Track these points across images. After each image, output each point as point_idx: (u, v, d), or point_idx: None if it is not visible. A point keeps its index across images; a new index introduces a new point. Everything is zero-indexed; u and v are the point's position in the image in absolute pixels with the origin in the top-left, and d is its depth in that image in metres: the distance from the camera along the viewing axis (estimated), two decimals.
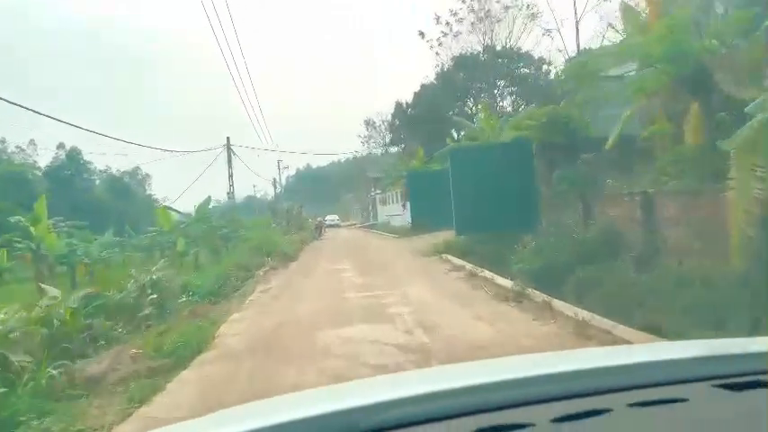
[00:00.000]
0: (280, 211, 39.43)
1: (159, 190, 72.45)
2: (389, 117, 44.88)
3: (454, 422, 1.02)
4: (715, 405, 1.09)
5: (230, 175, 36.88)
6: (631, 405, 1.04)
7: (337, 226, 62.08)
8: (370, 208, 60.29)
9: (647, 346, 2.73)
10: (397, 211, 41.67)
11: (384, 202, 50.41)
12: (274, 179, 65.77)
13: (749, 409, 1.07)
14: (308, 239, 32.50)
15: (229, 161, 36.76)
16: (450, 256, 15.55)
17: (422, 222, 27.07)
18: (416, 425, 1.02)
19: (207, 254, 25.33)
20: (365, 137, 65.55)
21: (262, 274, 16.18)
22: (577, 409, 1.02)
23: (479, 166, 17.28)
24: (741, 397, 1.09)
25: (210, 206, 34.04)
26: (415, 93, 38.29)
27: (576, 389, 1.12)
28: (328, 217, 70.44)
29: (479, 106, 28.20)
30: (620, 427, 1.02)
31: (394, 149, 61.05)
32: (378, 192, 54.24)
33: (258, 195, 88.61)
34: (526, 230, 16.10)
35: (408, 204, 31.75)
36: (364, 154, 67.88)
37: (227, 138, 37.09)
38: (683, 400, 1.06)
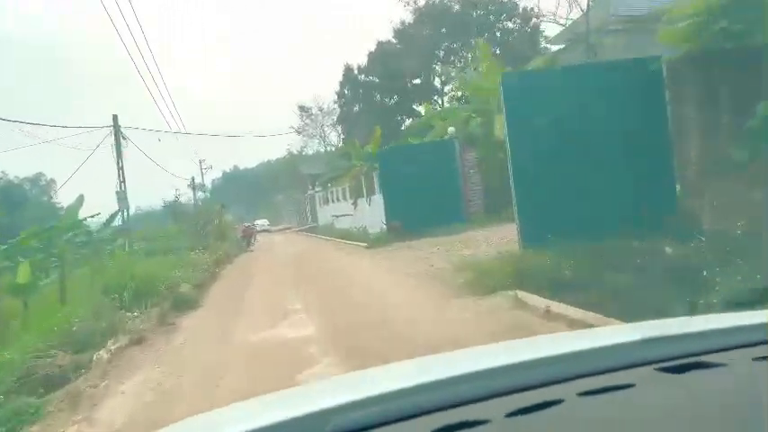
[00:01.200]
0: (193, 215, 28.60)
1: (68, 196, 62.18)
2: (337, 88, 35.69)
3: (407, 423, 0.99)
4: (660, 389, 1.08)
5: (120, 168, 26.63)
6: (581, 394, 1.04)
7: (267, 231, 55.12)
8: (308, 209, 50.76)
9: (591, 332, 2.42)
10: (344, 211, 33.07)
11: (326, 201, 41.41)
12: (192, 179, 54.51)
13: (692, 391, 1.08)
14: (232, 254, 22.90)
15: (118, 148, 26.56)
16: (548, 302, 6.75)
17: (405, 223, 18.28)
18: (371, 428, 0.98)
19: (86, 279, 15.64)
20: (299, 127, 56.16)
21: (107, 357, 6.86)
22: (530, 401, 1.01)
23: (565, 109, 8.63)
24: (683, 380, 1.09)
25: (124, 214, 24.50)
26: (370, 54, 29.27)
27: (528, 380, 1.10)
28: (258, 221, 60.88)
29: (479, 46, 19.85)
30: (573, 416, 1.00)
31: (335, 139, 52.13)
32: (317, 189, 45.09)
33: (184, 201, 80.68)
34: (672, 234, 7.74)
35: (376, 199, 22.86)
36: (297, 149, 58.68)
37: (114, 117, 26.85)
38: (630, 386, 1.06)
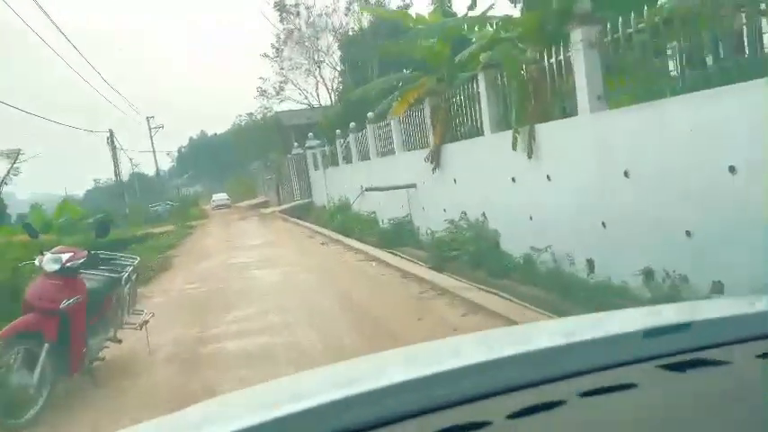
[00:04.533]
0: None
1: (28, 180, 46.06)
2: None
3: (398, 426, 0.92)
4: (662, 389, 1.01)
5: None
6: (583, 394, 0.98)
7: (226, 206, 44.13)
8: (293, 177, 30.67)
9: (583, 319, 1.98)
10: (395, 178, 14.06)
11: (333, 162, 22.42)
12: (110, 132, 34.25)
13: (694, 392, 1.01)
14: None
15: None
16: None
17: None
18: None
19: None
20: (276, 45, 36.07)
21: None
22: (530, 402, 0.95)
23: None
24: (685, 379, 1.04)
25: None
26: None
27: (526, 377, 1.05)
28: (216, 196, 43.27)
29: None
30: (575, 419, 0.95)
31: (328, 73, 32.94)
32: (312, 143, 25.88)
33: (149, 173, 66.72)
34: None
35: None
36: (274, 87, 39.14)
37: None
38: (632, 386, 1.00)
